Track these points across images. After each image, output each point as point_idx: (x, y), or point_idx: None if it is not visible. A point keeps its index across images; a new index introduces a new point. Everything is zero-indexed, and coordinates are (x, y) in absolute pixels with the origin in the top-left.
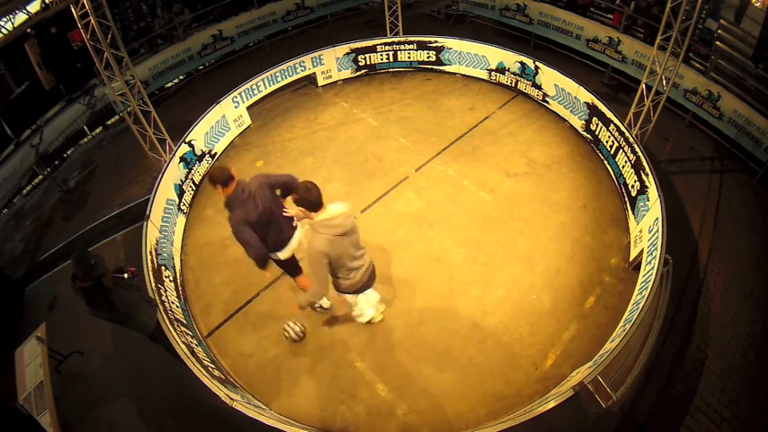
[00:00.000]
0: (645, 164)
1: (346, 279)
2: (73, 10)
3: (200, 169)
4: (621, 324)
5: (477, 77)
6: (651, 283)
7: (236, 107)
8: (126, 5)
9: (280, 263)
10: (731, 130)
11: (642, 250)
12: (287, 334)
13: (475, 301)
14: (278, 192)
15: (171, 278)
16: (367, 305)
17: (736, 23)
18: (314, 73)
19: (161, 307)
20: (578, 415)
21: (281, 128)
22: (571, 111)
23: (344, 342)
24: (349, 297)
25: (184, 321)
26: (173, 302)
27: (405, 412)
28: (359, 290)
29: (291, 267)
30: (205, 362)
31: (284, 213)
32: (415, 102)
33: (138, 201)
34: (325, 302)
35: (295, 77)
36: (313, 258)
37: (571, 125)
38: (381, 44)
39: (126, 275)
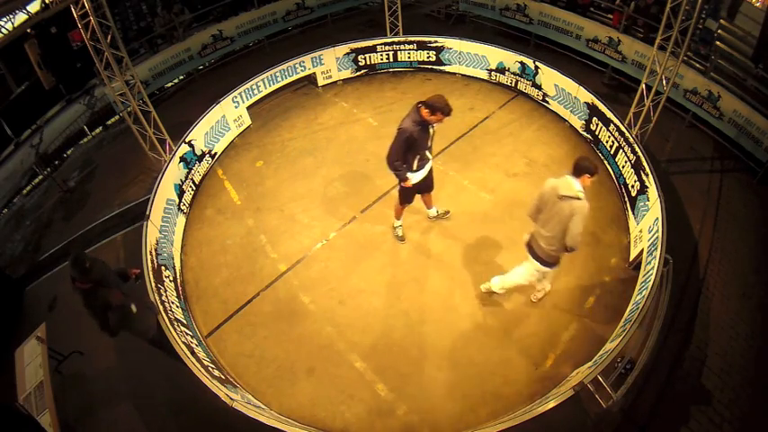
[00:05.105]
0: (645, 164)
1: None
2: (73, 10)
3: (200, 169)
4: (621, 324)
5: (477, 77)
6: (651, 283)
7: (236, 107)
8: (126, 5)
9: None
10: (731, 130)
11: (642, 250)
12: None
13: (475, 300)
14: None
15: (171, 278)
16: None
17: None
18: (314, 73)
19: (161, 307)
20: (578, 415)
21: (281, 128)
22: (571, 111)
23: (345, 342)
24: None
25: (184, 321)
26: (173, 302)
27: (405, 412)
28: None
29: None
30: (205, 362)
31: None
32: (416, 102)
33: (138, 201)
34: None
35: (295, 77)
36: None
37: (571, 125)
38: (381, 44)
39: (130, 278)
